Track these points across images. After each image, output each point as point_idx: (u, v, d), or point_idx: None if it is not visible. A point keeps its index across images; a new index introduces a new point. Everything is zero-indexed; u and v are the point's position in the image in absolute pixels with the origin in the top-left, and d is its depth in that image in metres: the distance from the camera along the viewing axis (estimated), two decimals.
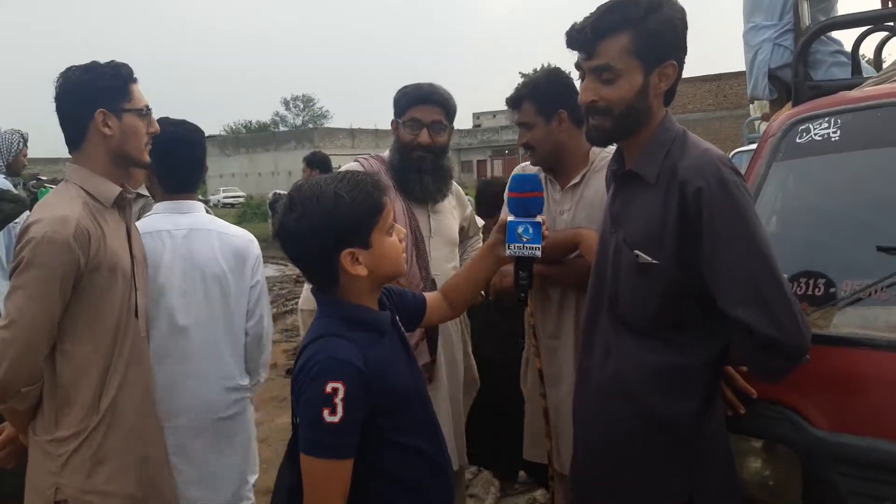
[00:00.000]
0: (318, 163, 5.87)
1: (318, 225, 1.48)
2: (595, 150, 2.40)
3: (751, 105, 9.07)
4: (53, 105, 1.93)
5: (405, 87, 2.53)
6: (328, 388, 1.40)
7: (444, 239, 2.60)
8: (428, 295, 1.91)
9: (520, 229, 1.71)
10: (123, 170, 2.00)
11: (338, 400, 1.39)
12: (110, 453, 1.87)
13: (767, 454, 1.73)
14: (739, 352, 1.60)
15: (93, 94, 1.88)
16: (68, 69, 1.93)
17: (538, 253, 1.73)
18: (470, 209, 2.82)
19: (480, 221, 3.11)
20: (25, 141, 4.62)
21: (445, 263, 2.57)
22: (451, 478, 1.71)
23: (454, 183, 2.71)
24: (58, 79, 1.92)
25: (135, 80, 1.97)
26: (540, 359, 2.49)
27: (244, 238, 2.36)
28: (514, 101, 2.41)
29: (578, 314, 2.33)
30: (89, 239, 1.81)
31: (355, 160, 2.67)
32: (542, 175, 2.50)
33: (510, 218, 1.75)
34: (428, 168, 2.51)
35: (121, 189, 1.95)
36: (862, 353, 1.68)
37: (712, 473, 1.64)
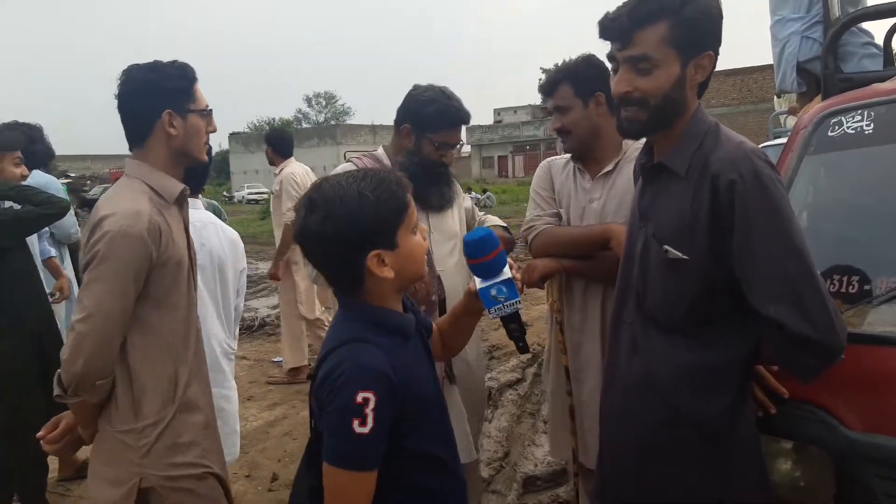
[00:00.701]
0: (273, 141, 5.79)
1: (343, 226, 1.40)
2: (626, 141, 2.37)
3: (776, 99, 8.95)
4: (116, 102, 1.95)
5: (434, 101, 2.42)
6: (359, 399, 1.34)
7: (445, 235, 2.58)
8: (435, 323, 1.83)
9: (493, 292, 1.62)
10: (181, 167, 2.03)
11: (368, 410, 1.33)
12: (190, 440, 1.92)
13: (799, 455, 1.69)
14: (771, 350, 1.56)
15: (160, 94, 1.91)
16: (131, 68, 1.95)
17: (519, 306, 1.65)
18: (469, 201, 2.81)
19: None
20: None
21: (448, 259, 2.56)
22: (464, 481, 1.66)
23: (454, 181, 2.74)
24: (120, 76, 1.94)
25: (197, 80, 2.00)
26: (566, 355, 2.46)
27: (234, 233, 2.79)
28: (550, 85, 2.38)
29: (605, 307, 2.30)
30: (160, 233, 1.85)
31: (348, 160, 2.64)
32: (571, 165, 2.48)
33: (479, 285, 1.64)
34: (444, 180, 2.55)
35: (183, 186, 2.00)
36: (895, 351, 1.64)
37: (743, 474, 1.61)
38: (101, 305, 1.76)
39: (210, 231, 2.59)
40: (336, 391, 1.36)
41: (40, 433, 1.99)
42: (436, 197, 2.51)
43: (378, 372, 1.37)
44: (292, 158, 5.74)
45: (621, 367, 1.76)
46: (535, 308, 7.50)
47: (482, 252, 1.61)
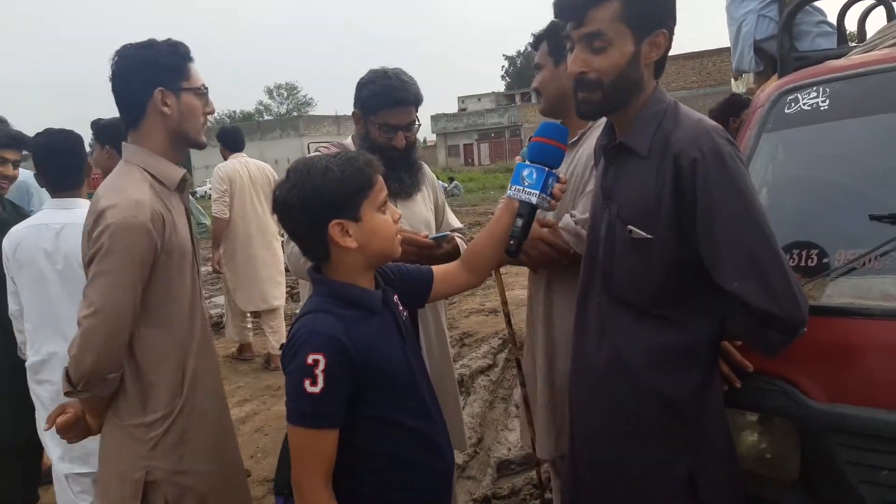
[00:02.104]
0: (223, 138, 5.91)
1: (306, 195, 1.50)
2: None
3: (733, 81, 9.05)
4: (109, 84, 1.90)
5: (371, 82, 2.32)
6: (309, 360, 1.43)
7: (417, 221, 2.48)
8: (438, 268, 1.84)
9: (525, 172, 1.65)
10: (180, 151, 1.98)
11: (318, 371, 1.42)
12: (197, 434, 1.91)
13: (765, 427, 1.72)
14: (736, 326, 1.58)
15: (152, 71, 1.85)
16: (125, 46, 1.89)
17: (534, 199, 1.67)
18: (442, 197, 2.73)
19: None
20: None
21: None
22: (450, 455, 1.70)
23: (425, 167, 2.62)
24: (113, 57, 1.88)
25: (191, 59, 1.94)
26: (516, 346, 2.46)
27: None
28: (535, 41, 2.34)
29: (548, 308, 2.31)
30: (164, 223, 1.81)
31: (316, 150, 2.56)
32: None
33: (519, 160, 1.69)
34: (402, 165, 2.41)
35: (184, 171, 1.96)
36: (857, 322, 1.67)
37: (712, 450, 1.63)
38: (108, 300, 1.72)
39: (68, 233, 2.55)
40: (292, 355, 1.48)
41: (47, 425, 1.98)
42: (395, 183, 2.35)
43: (329, 336, 1.46)
44: (241, 153, 5.87)
45: (589, 351, 1.76)
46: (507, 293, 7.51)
47: (550, 136, 1.68)
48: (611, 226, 1.69)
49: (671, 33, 1.62)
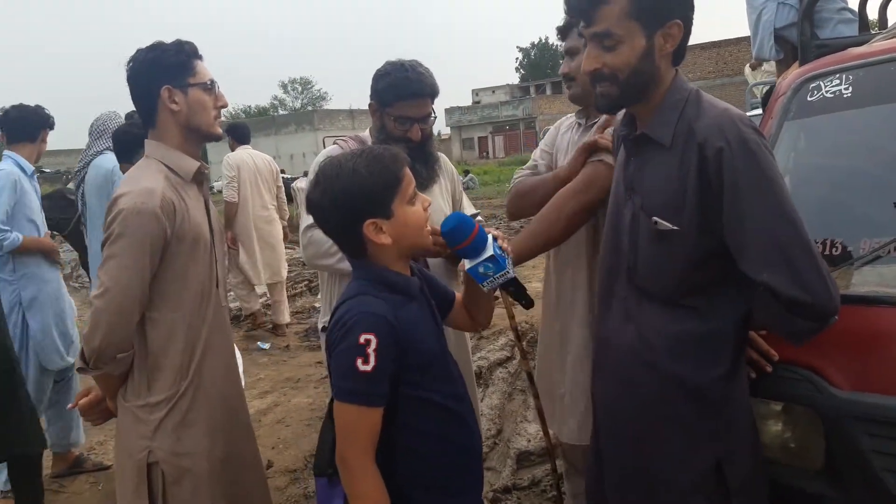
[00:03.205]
0: (230, 131, 6.60)
1: (338, 199, 1.55)
2: None
3: (747, 69, 8.93)
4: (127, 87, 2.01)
5: (387, 74, 2.32)
6: (361, 340, 1.47)
7: (434, 217, 2.50)
8: (458, 294, 1.89)
9: (481, 270, 1.67)
10: (195, 143, 2.06)
11: (370, 350, 1.47)
12: (198, 417, 1.97)
13: (789, 417, 1.72)
14: (765, 316, 1.57)
15: (158, 71, 1.95)
16: (137, 51, 1.99)
17: (511, 273, 1.69)
18: (460, 188, 2.73)
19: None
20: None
21: None
22: (479, 434, 1.76)
23: (444, 158, 2.62)
24: (128, 62, 1.98)
25: (199, 57, 2.02)
26: (527, 360, 2.45)
27: None
28: (565, 27, 2.30)
29: (591, 281, 2.28)
30: (174, 210, 1.89)
31: (334, 143, 2.55)
32: (572, 121, 2.44)
33: (468, 266, 1.69)
34: (419, 158, 2.38)
35: (199, 164, 2.03)
36: (882, 311, 1.67)
37: (738, 438, 1.62)
38: (117, 281, 1.80)
39: None
40: (343, 335, 1.51)
41: (71, 404, 2.07)
42: None
43: (380, 316, 1.51)
44: (247, 145, 6.66)
45: (612, 337, 1.75)
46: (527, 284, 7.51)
47: (459, 239, 1.66)
48: (635, 217, 1.68)
49: (688, 22, 1.60)
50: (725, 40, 34.65)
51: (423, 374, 1.60)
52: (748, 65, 8.99)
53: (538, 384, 2.55)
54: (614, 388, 1.77)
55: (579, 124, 2.42)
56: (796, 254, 1.46)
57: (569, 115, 2.56)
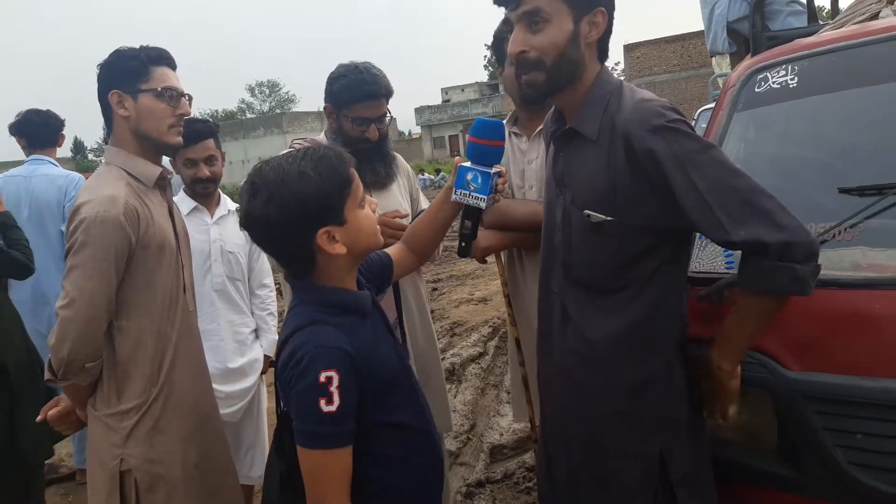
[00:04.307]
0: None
1: (287, 207, 1.39)
2: None
3: (713, 62, 9.08)
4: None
5: (342, 76, 2.36)
6: (322, 378, 1.35)
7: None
8: (390, 250, 1.85)
9: (469, 176, 1.64)
10: (152, 151, 2.01)
11: (333, 388, 1.35)
12: (170, 423, 1.95)
13: (744, 399, 1.76)
14: (758, 279, 1.49)
15: (110, 76, 1.93)
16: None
17: (482, 204, 1.67)
18: (417, 186, 2.76)
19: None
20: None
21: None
22: (441, 448, 1.70)
23: (399, 158, 2.66)
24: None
25: (163, 63, 1.98)
26: (516, 327, 2.50)
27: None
28: (498, 38, 2.39)
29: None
30: (138, 217, 1.87)
31: (290, 146, 2.59)
32: (509, 129, 2.49)
33: (462, 163, 1.68)
34: (377, 157, 2.46)
35: (161, 169, 2.00)
36: (828, 293, 1.71)
37: (680, 426, 1.65)
38: (82, 291, 1.78)
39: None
40: (300, 374, 1.37)
41: (40, 416, 2.04)
42: (369, 175, 2.41)
43: (339, 350, 1.38)
44: None
45: (554, 338, 1.76)
46: (495, 282, 7.56)
47: (488, 135, 1.64)
48: (566, 212, 1.69)
49: (610, 13, 1.63)
50: (690, 33, 35.00)
51: (385, 397, 1.49)
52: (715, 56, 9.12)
53: (525, 355, 2.57)
54: (556, 386, 1.78)
55: (514, 133, 2.50)
56: (762, 201, 1.44)
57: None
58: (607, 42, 1.67)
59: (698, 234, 1.81)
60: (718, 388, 1.63)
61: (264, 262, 3.03)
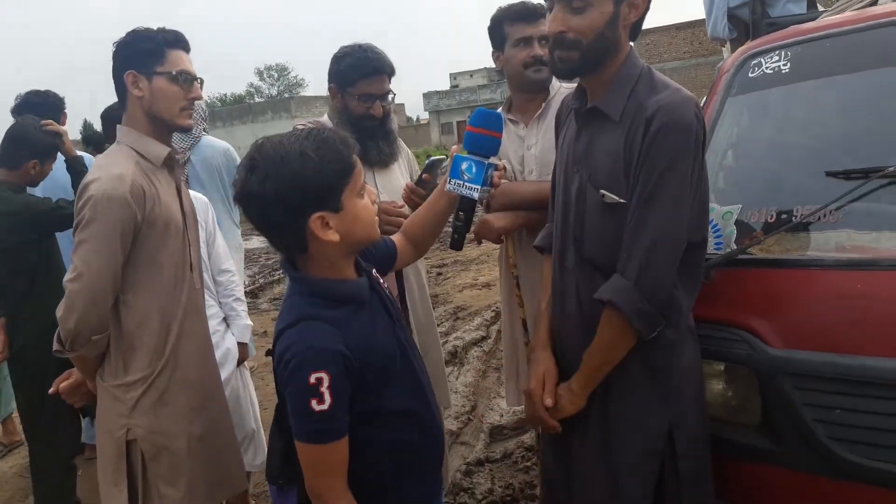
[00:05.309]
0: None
1: (283, 187, 1.34)
2: (555, 82, 2.44)
3: (723, 48, 9.03)
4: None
5: (347, 56, 2.41)
6: (312, 380, 1.35)
7: (394, 193, 2.56)
8: (395, 237, 1.84)
9: (464, 165, 1.63)
10: (163, 132, 2.06)
11: (323, 389, 1.35)
12: (174, 396, 2.01)
13: (729, 376, 1.81)
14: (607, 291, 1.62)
15: (126, 56, 1.97)
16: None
17: (475, 195, 1.66)
18: (416, 167, 2.78)
19: None
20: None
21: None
22: (440, 429, 1.70)
23: (401, 140, 2.70)
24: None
25: (179, 47, 2.02)
26: (523, 307, 2.53)
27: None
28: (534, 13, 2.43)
29: None
30: (144, 195, 1.91)
31: (293, 128, 2.62)
32: (505, 116, 2.50)
33: (458, 152, 1.68)
34: (380, 134, 2.50)
35: (169, 150, 2.05)
36: (810, 273, 1.76)
37: (689, 400, 1.69)
38: (89, 265, 1.83)
39: None
40: (290, 375, 1.38)
41: (52, 388, 2.11)
42: (374, 152, 2.47)
43: (328, 351, 1.37)
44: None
45: (569, 315, 1.78)
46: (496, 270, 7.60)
47: (486, 125, 1.65)
48: (581, 190, 1.71)
49: None
50: (700, 20, 34.65)
51: (382, 385, 1.48)
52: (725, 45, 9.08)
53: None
54: (571, 350, 1.79)
55: (511, 120, 2.52)
56: (658, 249, 1.55)
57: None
58: (642, 22, 1.67)
59: (711, 221, 1.83)
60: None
61: (221, 245, 2.94)
